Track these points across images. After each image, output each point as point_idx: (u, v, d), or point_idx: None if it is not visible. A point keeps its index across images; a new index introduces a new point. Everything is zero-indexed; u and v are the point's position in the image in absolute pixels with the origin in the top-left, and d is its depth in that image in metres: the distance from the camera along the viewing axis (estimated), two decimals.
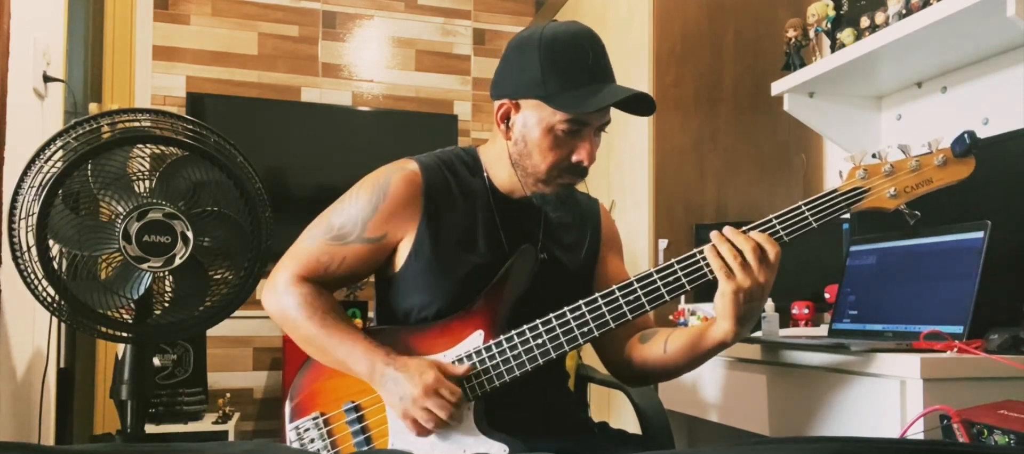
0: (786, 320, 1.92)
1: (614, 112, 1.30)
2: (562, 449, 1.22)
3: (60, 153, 1.60)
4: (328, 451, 1.30)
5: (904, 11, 1.79)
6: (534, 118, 1.28)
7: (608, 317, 1.23)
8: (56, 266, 1.60)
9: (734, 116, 2.60)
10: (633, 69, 2.63)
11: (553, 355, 1.24)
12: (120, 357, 1.74)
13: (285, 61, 3.76)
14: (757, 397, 1.58)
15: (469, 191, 1.36)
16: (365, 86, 3.86)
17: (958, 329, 1.34)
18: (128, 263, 1.62)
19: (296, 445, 1.32)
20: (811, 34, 2.14)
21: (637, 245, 2.57)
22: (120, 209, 1.62)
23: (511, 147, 1.32)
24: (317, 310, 1.31)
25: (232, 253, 1.72)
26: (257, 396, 3.65)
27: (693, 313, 1.93)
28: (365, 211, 1.33)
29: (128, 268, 1.63)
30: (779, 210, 1.22)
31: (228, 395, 3.37)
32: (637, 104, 1.27)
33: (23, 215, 1.57)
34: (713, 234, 1.20)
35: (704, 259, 1.21)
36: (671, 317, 2.06)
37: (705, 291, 2.03)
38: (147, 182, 1.65)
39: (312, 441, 1.31)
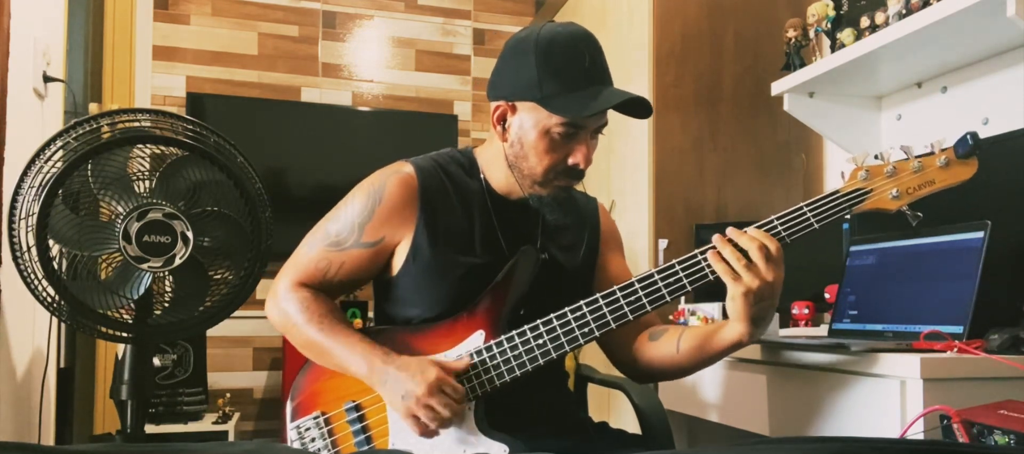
0: (786, 320, 1.93)
1: (612, 113, 1.30)
2: (562, 449, 1.22)
3: (60, 153, 1.60)
4: (329, 451, 1.30)
5: (904, 11, 1.79)
6: (530, 121, 1.28)
7: (609, 317, 1.23)
8: (56, 266, 1.60)
9: (734, 116, 2.60)
10: (633, 69, 2.63)
11: (553, 355, 1.24)
12: (120, 357, 1.74)
13: (285, 61, 3.76)
14: (757, 397, 1.58)
15: (465, 193, 1.36)
16: (365, 86, 3.86)
17: (958, 329, 1.34)
18: (128, 263, 1.62)
19: (297, 445, 1.32)
20: (811, 34, 2.14)
21: (637, 245, 2.57)
22: (120, 209, 1.62)
23: (507, 149, 1.32)
24: (315, 313, 1.32)
25: (232, 253, 1.72)
26: (257, 396, 3.65)
27: (693, 313, 1.93)
28: (361, 216, 1.33)
29: (128, 268, 1.63)
30: (780, 211, 1.22)
31: (228, 395, 3.37)
32: (634, 107, 1.27)
33: (23, 215, 1.57)
34: (715, 237, 1.20)
35: (706, 262, 1.20)
36: (671, 317, 2.06)
37: (705, 291, 2.03)
38: (147, 182, 1.65)
39: (313, 441, 1.31)
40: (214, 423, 3.12)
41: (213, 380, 3.43)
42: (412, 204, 1.32)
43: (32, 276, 1.60)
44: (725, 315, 1.26)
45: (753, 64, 2.61)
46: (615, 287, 1.23)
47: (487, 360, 1.25)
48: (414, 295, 1.34)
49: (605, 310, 1.23)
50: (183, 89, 3.61)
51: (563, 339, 1.23)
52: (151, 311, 1.70)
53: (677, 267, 1.22)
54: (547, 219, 1.36)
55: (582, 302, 1.24)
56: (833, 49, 2.05)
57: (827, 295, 1.86)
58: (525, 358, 1.24)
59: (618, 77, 1.32)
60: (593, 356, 2.63)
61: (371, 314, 3.37)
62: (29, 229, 1.57)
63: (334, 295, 1.39)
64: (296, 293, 1.34)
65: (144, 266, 1.63)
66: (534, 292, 1.30)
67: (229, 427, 3.10)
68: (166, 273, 1.66)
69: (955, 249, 1.43)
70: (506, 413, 1.27)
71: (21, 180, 1.60)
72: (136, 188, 1.64)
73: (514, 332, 1.25)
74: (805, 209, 1.21)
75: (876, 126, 2.27)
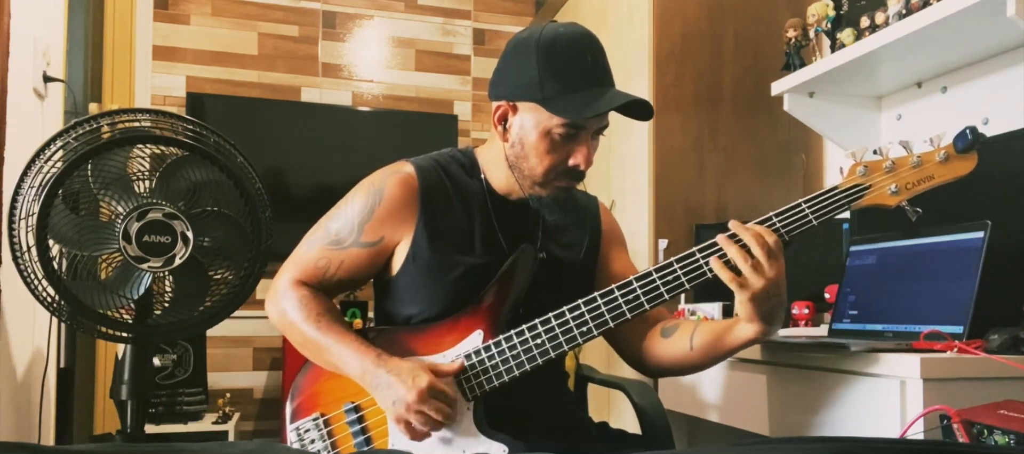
0: (786, 320, 1.92)
1: (613, 114, 1.30)
2: (562, 449, 1.22)
3: (60, 153, 1.60)
4: (328, 452, 1.30)
5: (904, 11, 1.79)
6: (531, 121, 1.27)
7: (607, 316, 1.23)
8: (56, 266, 1.60)
9: (734, 116, 2.60)
10: (633, 69, 2.63)
11: (553, 355, 1.24)
12: (120, 357, 1.74)
13: (285, 61, 3.76)
14: (757, 397, 1.58)
15: (466, 193, 1.36)
16: (365, 86, 3.86)
17: (958, 329, 1.34)
18: (128, 263, 1.62)
19: (297, 445, 1.32)
20: (811, 34, 2.14)
21: (637, 245, 2.57)
22: (120, 209, 1.62)
23: (508, 149, 1.32)
24: (312, 312, 1.32)
25: (232, 253, 1.72)
26: (257, 396, 3.65)
27: (693, 313, 1.93)
28: (361, 215, 1.33)
29: (128, 268, 1.63)
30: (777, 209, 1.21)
31: (228, 395, 3.37)
32: (635, 109, 1.27)
33: (23, 215, 1.57)
34: (720, 238, 1.19)
35: (705, 261, 1.20)
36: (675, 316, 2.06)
37: (705, 291, 2.03)
38: (147, 182, 1.65)
39: (313, 442, 1.31)
40: (214, 423, 3.12)
41: (213, 380, 3.43)
42: (412, 204, 1.32)
43: (32, 276, 1.60)
44: (725, 315, 1.26)
45: (753, 64, 2.61)
46: (613, 286, 1.23)
47: (486, 360, 1.25)
48: (414, 294, 1.34)
49: (603, 309, 1.23)
50: (183, 89, 3.61)
51: (562, 339, 1.23)
52: (151, 311, 1.70)
53: (675, 266, 1.22)
54: (547, 219, 1.36)
55: (581, 301, 1.24)
56: (833, 49, 2.05)
57: (827, 295, 1.86)
58: (524, 358, 1.24)
59: (618, 77, 1.32)
60: (593, 356, 2.63)
61: (371, 314, 3.37)
62: (29, 229, 1.57)
63: (333, 294, 1.39)
64: (295, 291, 1.34)
65: (144, 266, 1.63)
66: (535, 291, 1.30)
67: (229, 427, 3.10)
68: (166, 273, 1.66)
69: (955, 249, 1.43)
70: (506, 413, 1.27)
71: (21, 180, 1.60)
72: (136, 188, 1.64)
73: (513, 332, 1.25)
74: (803, 206, 1.20)
75: (876, 126, 2.27)
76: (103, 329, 1.67)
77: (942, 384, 1.18)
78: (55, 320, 1.96)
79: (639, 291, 1.22)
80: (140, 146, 1.66)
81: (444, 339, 1.29)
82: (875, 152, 1.22)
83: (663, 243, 2.45)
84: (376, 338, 1.32)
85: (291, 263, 1.37)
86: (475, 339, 1.27)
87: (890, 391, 1.24)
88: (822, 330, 1.82)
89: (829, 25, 2.08)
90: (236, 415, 3.32)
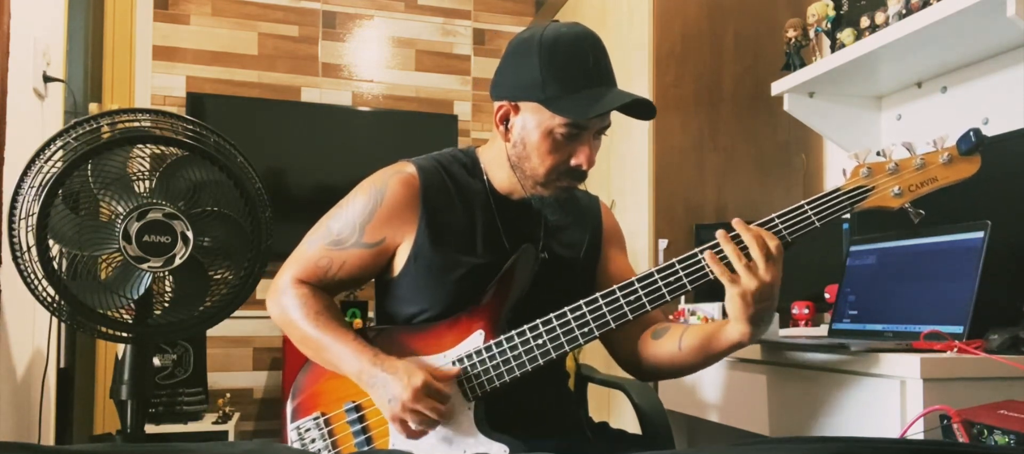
0: (786, 320, 1.92)
1: (614, 114, 1.30)
2: (562, 449, 1.22)
3: (60, 153, 1.60)
4: (329, 451, 1.30)
5: (904, 11, 1.79)
6: (533, 121, 1.27)
7: (609, 317, 1.23)
8: (56, 266, 1.60)
9: (734, 116, 2.60)
10: (633, 69, 2.63)
11: (553, 355, 1.23)
12: (120, 357, 1.74)
13: (285, 61, 3.76)
14: (757, 397, 1.58)
15: (467, 192, 1.36)
16: (365, 86, 3.86)
17: (958, 329, 1.34)
18: (128, 263, 1.62)
19: (297, 445, 1.32)
20: (811, 34, 2.14)
21: (637, 245, 2.57)
22: (120, 209, 1.62)
23: (510, 149, 1.32)
24: (311, 309, 1.32)
25: (232, 253, 1.72)
26: (257, 396, 3.65)
27: (693, 313, 1.93)
28: (362, 215, 1.33)
29: (128, 268, 1.63)
30: (779, 210, 1.21)
31: (228, 395, 3.37)
32: (637, 109, 1.27)
33: (23, 215, 1.57)
34: (719, 233, 1.19)
35: (706, 262, 1.20)
36: (671, 317, 2.06)
37: (706, 291, 2.03)
38: (147, 182, 1.65)
39: (313, 441, 1.31)
40: (214, 423, 3.12)
41: (213, 380, 3.43)
42: (414, 204, 1.32)
43: (32, 276, 1.60)
44: (725, 314, 1.25)
45: (753, 64, 2.61)
46: (615, 287, 1.23)
47: (487, 360, 1.25)
48: (415, 294, 1.34)
49: (605, 310, 1.23)
50: (183, 89, 3.61)
51: (563, 339, 1.23)
52: (151, 311, 1.70)
53: (677, 266, 1.22)
54: (549, 219, 1.36)
55: (582, 302, 1.24)
56: (833, 49, 2.05)
57: (827, 295, 1.86)
58: (525, 358, 1.24)
59: (618, 77, 1.32)
60: (593, 356, 2.63)
61: (371, 314, 3.37)
62: (29, 229, 1.57)
63: (334, 293, 1.39)
64: (295, 289, 1.34)
65: (144, 266, 1.63)
66: (536, 291, 1.30)
67: (229, 427, 3.10)
68: (166, 273, 1.66)
69: (955, 249, 1.43)
70: (506, 413, 1.27)
71: (21, 180, 1.60)
72: (136, 188, 1.64)
73: (514, 332, 1.25)
74: (806, 207, 1.20)
75: (876, 126, 2.27)
76: (103, 329, 1.67)
77: (942, 384, 1.18)
78: (55, 320, 1.96)
79: (640, 292, 1.22)
80: (140, 146, 1.66)
81: (445, 339, 1.29)
82: (878, 153, 1.22)
83: (663, 243, 2.45)
84: (376, 338, 1.32)
85: (292, 261, 1.37)
86: (476, 339, 1.27)
87: (890, 391, 1.24)
88: (822, 330, 1.82)
89: (829, 25, 2.08)
90: (236, 415, 3.32)
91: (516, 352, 1.24)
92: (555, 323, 1.24)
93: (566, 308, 1.24)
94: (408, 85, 3.92)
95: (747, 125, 2.60)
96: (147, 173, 1.67)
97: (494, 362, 1.25)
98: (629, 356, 1.42)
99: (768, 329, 1.24)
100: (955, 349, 1.24)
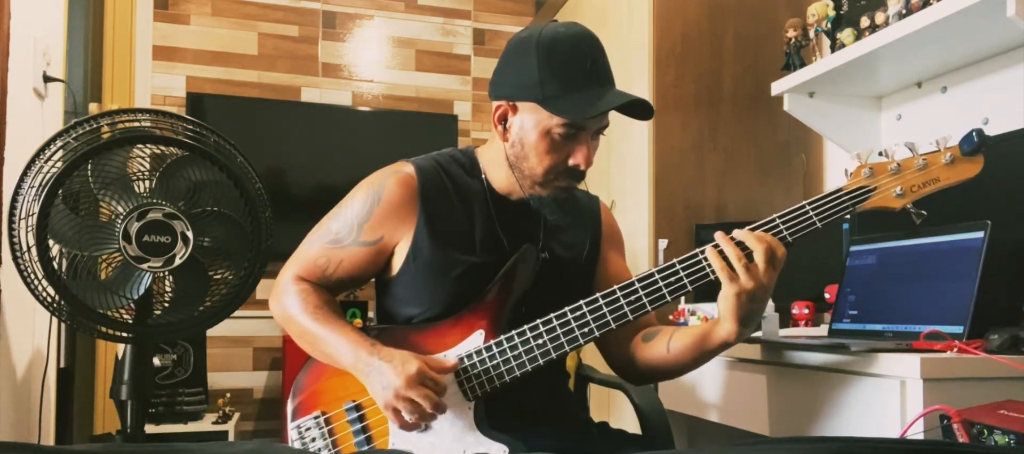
0: (786, 320, 1.92)
1: (613, 114, 1.30)
2: (562, 449, 1.22)
3: (60, 153, 1.60)
4: (329, 450, 1.30)
5: (904, 11, 1.79)
6: (531, 121, 1.28)
7: (609, 317, 1.23)
8: (56, 266, 1.60)
9: (734, 116, 2.60)
10: (633, 69, 2.63)
11: (553, 355, 1.23)
12: (120, 357, 1.74)
13: (285, 61, 3.76)
14: (757, 397, 1.58)
15: (466, 192, 1.36)
16: (365, 86, 3.86)
17: (958, 329, 1.34)
18: (128, 263, 1.62)
19: (297, 444, 1.32)
20: (811, 34, 2.14)
21: (637, 245, 2.57)
22: (120, 209, 1.62)
23: (508, 149, 1.32)
24: (310, 304, 1.33)
25: (232, 253, 1.72)
26: (257, 396, 3.65)
27: (693, 313, 1.93)
28: (360, 215, 1.33)
29: (128, 268, 1.63)
30: (780, 210, 1.21)
31: (228, 395, 3.37)
32: (635, 109, 1.27)
33: (23, 215, 1.57)
34: (718, 235, 1.19)
35: (705, 259, 1.20)
36: (671, 317, 2.06)
37: (706, 291, 2.03)
38: (147, 182, 1.65)
39: (313, 440, 1.31)
40: (214, 423, 3.12)
41: (213, 380, 3.43)
42: (412, 204, 1.32)
43: (32, 276, 1.60)
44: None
45: (753, 64, 2.61)
46: (615, 287, 1.23)
47: (487, 360, 1.25)
48: (414, 294, 1.34)
49: (605, 310, 1.23)
50: (183, 89, 3.61)
51: (563, 339, 1.23)
52: (151, 311, 1.70)
53: (677, 266, 1.22)
54: (548, 219, 1.36)
55: (582, 302, 1.24)
56: (833, 49, 2.05)
57: (827, 295, 1.86)
58: (525, 358, 1.24)
59: (618, 77, 1.32)
60: (594, 356, 2.63)
61: (371, 314, 3.37)
62: (29, 229, 1.57)
63: (335, 292, 1.40)
64: (295, 286, 1.35)
65: (144, 266, 1.63)
66: (536, 291, 1.30)
67: (229, 427, 3.10)
68: (166, 273, 1.66)
69: (955, 249, 1.43)
70: (506, 413, 1.27)
71: (21, 180, 1.60)
72: (136, 188, 1.64)
73: (514, 332, 1.25)
74: (808, 208, 1.20)
75: (876, 126, 2.27)
76: (103, 329, 1.67)
77: (942, 384, 1.18)
78: (55, 320, 1.96)
79: (641, 292, 1.22)
80: (140, 146, 1.66)
81: (445, 339, 1.29)
82: (880, 154, 1.22)
83: (663, 243, 2.45)
84: (378, 337, 1.32)
85: (294, 260, 1.39)
86: (476, 339, 1.27)
87: (890, 391, 1.24)
88: (822, 330, 1.82)
89: (829, 25, 2.08)
90: (236, 415, 3.32)
91: (516, 352, 1.24)
92: (555, 323, 1.24)
93: (566, 308, 1.24)
94: (408, 85, 3.92)
95: (747, 125, 2.60)
96: (147, 173, 1.67)
97: (494, 362, 1.25)
98: (621, 360, 1.42)
99: (755, 329, 1.24)
100: (955, 349, 1.24)
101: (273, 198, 1.81)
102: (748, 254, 1.16)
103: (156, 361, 1.84)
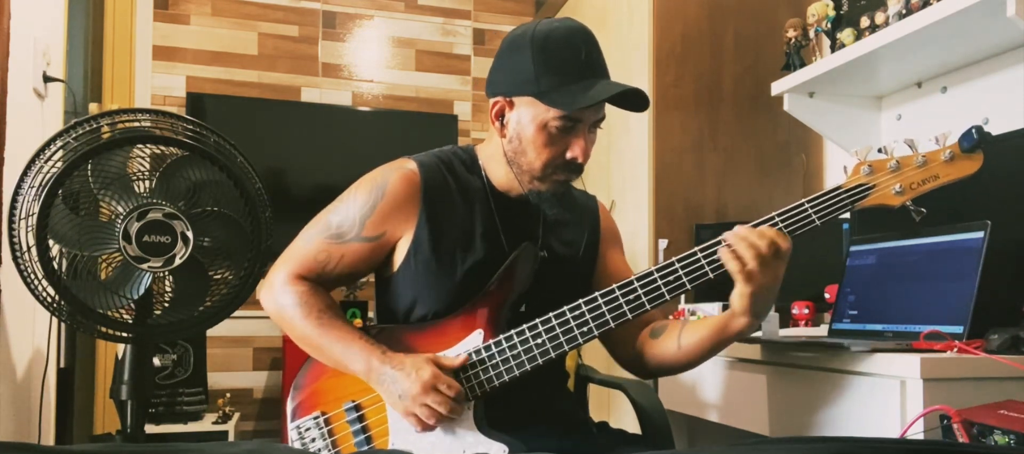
0: (786, 320, 1.92)
1: (613, 111, 1.30)
2: (562, 449, 1.22)
3: (60, 153, 1.59)
4: (329, 450, 1.30)
5: (904, 11, 1.79)
6: (528, 115, 1.28)
7: (608, 316, 1.23)
8: (56, 266, 1.60)
9: (734, 116, 2.60)
10: (633, 68, 2.63)
11: (553, 355, 1.24)
12: (120, 357, 1.74)
13: (285, 61, 3.76)
14: (757, 397, 1.58)
15: (467, 190, 1.36)
16: (365, 86, 3.86)
17: (958, 329, 1.34)
18: (128, 263, 1.62)
19: (297, 444, 1.32)
20: (811, 34, 2.14)
21: (637, 245, 2.57)
22: (120, 209, 1.62)
23: (506, 145, 1.32)
24: (313, 308, 1.32)
25: (232, 253, 1.72)
26: (257, 396, 3.65)
27: (693, 313, 1.93)
28: (363, 210, 1.33)
29: (128, 268, 1.63)
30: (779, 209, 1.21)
31: (228, 395, 3.37)
32: (631, 99, 1.27)
33: (23, 215, 1.57)
34: (731, 236, 1.19)
35: (704, 259, 1.20)
36: (671, 317, 2.06)
37: (706, 291, 2.03)
38: (147, 182, 1.65)
39: (313, 440, 1.31)
40: (214, 423, 3.12)
41: (213, 380, 3.43)
42: (414, 200, 1.32)
43: (32, 276, 1.60)
44: (724, 309, 1.26)
45: (753, 64, 2.61)
46: (614, 286, 1.23)
47: (486, 359, 1.25)
48: (414, 291, 1.34)
49: (604, 309, 1.23)
50: (183, 89, 3.61)
51: (562, 339, 1.23)
52: (151, 311, 1.70)
53: (677, 266, 1.22)
54: (548, 215, 1.36)
55: (581, 301, 1.24)
56: (833, 49, 2.05)
57: (827, 295, 1.86)
58: (524, 358, 1.24)
59: (618, 77, 1.32)
60: (593, 356, 2.63)
61: (371, 313, 3.36)
62: (29, 229, 1.57)
63: (331, 288, 1.39)
64: (294, 286, 1.34)
65: (144, 266, 1.63)
66: (535, 289, 1.30)
67: (229, 427, 3.10)
68: (166, 273, 1.66)
69: (955, 249, 1.43)
70: (506, 413, 1.27)
71: (21, 180, 1.60)
72: (136, 188, 1.64)
73: (513, 332, 1.25)
74: (807, 205, 1.21)
75: (876, 126, 2.27)
76: (103, 329, 1.67)
77: (942, 384, 1.18)
78: (55, 320, 1.96)
79: (640, 292, 1.22)
80: (140, 146, 1.65)
81: (444, 338, 1.29)
82: (880, 151, 1.22)
83: (663, 243, 2.45)
84: (377, 336, 1.32)
85: (288, 257, 1.37)
86: (475, 338, 1.27)
87: (890, 391, 1.24)
88: (822, 330, 1.82)
89: (829, 25, 2.08)
90: (236, 415, 3.32)
91: (515, 352, 1.24)
92: (554, 323, 1.24)
93: (565, 308, 1.24)
94: (408, 85, 3.92)
95: (747, 125, 2.60)
96: (147, 173, 1.67)
97: (493, 362, 1.25)
98: (629, 355, 1.42)
99: (766, 321, 1.25)
100: (955, 349, 1.24)
101: (273, 198, 1.81)
102: (760, 251, 1.16)
103: (156, 361, 1.84)
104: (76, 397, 2.25)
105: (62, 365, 2.15)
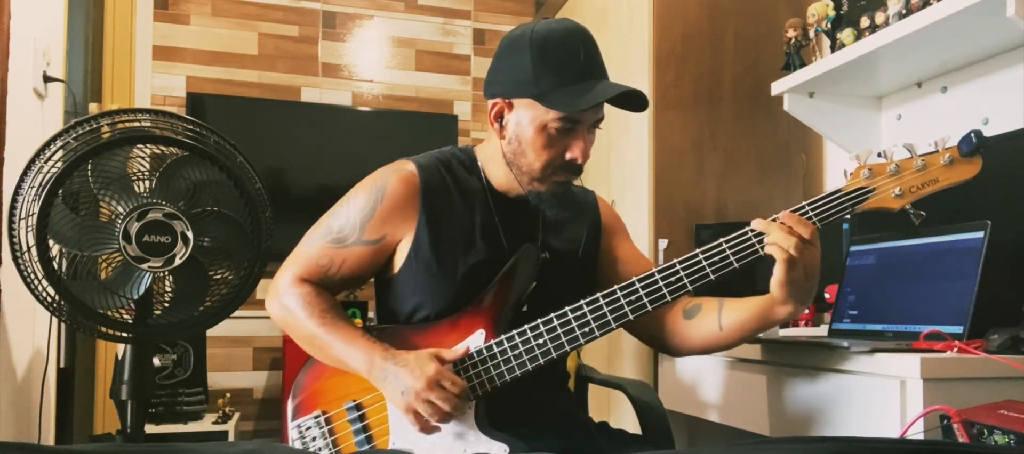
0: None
1: (612, 111, 1.30)
2: (562, 449, 1.22)
3: (60, 153, 1.60)
4: (329, 450, 1.30)
5: (904, 11, 1.79)
6: (527, 117, 1.28)
7: (610, 317, 1.23)
8: (56, 266, 1.60)
9: (734, 116, 2.60)
10: (633, 68, 2.63)
11: (554, 355, 1.24)
12: (120, 357, 1.74)
13: (285, 61, 3.76)
14: (757, 397, 1.58)
15: (467, 190, 1.36)
16: (365, 86, 3.86)
17: (958, 329, 1.34)
18: (128, 263, 1.62)
19: (298, 443, 1.32)
20: (811, 34, 2.14)
21: (637, 245, 2.56)
22: (120, 209, 1.62)
23: (505, 146, 1.32)
24: (316, 308, 1.32)
25: (232, 253, 1.72)
26: (257, 396, 3.65)
27: None
28: (363, 213, 1.33)
29: (128, 268, 1.63)
30: (780, 211, 1.21)
31: (228, 395, 3.37)
32: (630, 100, 1.27)
33: (23, 215, 1.57)
34: (759, 222, 1.18)
35: (705, 259, 1.20)
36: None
37: (706, 291, 2.03)
38: (147, 182, 1.65)
39: (314, 440, 1.31)
40: (214, 423, 3.12)
41: (213, 380, 3.43)
42: (414, 202, 1.33)
43: (32, 276, 1.60)
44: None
45: (753, 64, 2.61)
46: (616, 287, 1.23)
47: (487, 359, 1.25)
48: (415, 292, 1.34)
49: (606, 310, 1.23)
50: (183, 89, 3.61)
51: (564, 339, 1.24)
52: (151, 311, 1.70)
53: (678, 267, 1.22)
54: (547, 215, 1.36)
55: (583, 301, 1.24)
56: (833, 49, 2.05)
57: (827, 295, 1.86)
58: (525, 358, 1.24)
59: (618, 77, 1.32)
60: (593, 356, 2.63)
61: (371, 314, 3.36)
62: (29, 229, 1.57)
63: (335, 292, 1.39)
64: (298, 288, 1.34)
65: (144, 266, 1.63)
66: (537, 288, 1.30)
67: (229, 427, 3.10)
68: (166, 273, 1.66)
69: (955, 249, 1.43)
70: (506, 413, 1.27)
71: (21, 180, 1.60)
72: (136, 188, 1.64)
73: (514, 332, 1.25)
74: (807, 208, 1.21)
75: (876, 126, 2.27)
76: (103, 329, 1.67)
77: (942, 384, 1.18)
78: (55, 320, 1.96)
79: (642, 292, 1.22)
80: (140, 146, 1.66)
81: (445, 339, 1.29)
82: (879, 155, 1.22)
83: (663, 243, 2.45)
84: (378, 336, 1.32)
85: (293, 260, 1.37)
86: (477, 338, 1.27)
87: (890, 391, 1.24)
88: (822, 330, 1.82)
89: (829, 25, 2.08)
90: (236, 415, 3.32)
91: (517, 352, 1.24)
92: (556, 323, 1.24)
93: (567, 308, 1.24)
94: (408, 85, 3.92)
95: (747, 125, 2.60)
96: (147, 173, 1.67)
97: (495, 361, 1.25)
98: (658, 337, 1.41)
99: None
100: (955, 349, 1.24)
101: (273, 198, 1.81)
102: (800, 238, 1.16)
103: (156, 361, 1.84)
104: (76, 397, 2.25)
105: (62, 365, 2.15)
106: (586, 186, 1.54)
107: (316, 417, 1.32)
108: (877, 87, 2.20)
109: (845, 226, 1.95)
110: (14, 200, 1.59)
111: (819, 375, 1.41)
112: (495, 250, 1.33)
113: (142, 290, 1.65)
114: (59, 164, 1.57)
